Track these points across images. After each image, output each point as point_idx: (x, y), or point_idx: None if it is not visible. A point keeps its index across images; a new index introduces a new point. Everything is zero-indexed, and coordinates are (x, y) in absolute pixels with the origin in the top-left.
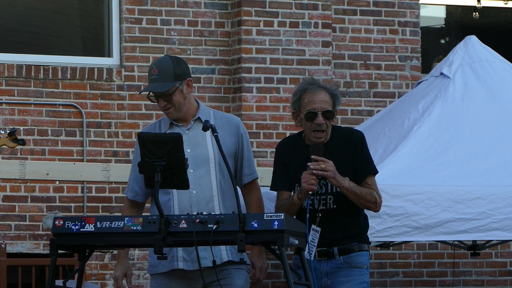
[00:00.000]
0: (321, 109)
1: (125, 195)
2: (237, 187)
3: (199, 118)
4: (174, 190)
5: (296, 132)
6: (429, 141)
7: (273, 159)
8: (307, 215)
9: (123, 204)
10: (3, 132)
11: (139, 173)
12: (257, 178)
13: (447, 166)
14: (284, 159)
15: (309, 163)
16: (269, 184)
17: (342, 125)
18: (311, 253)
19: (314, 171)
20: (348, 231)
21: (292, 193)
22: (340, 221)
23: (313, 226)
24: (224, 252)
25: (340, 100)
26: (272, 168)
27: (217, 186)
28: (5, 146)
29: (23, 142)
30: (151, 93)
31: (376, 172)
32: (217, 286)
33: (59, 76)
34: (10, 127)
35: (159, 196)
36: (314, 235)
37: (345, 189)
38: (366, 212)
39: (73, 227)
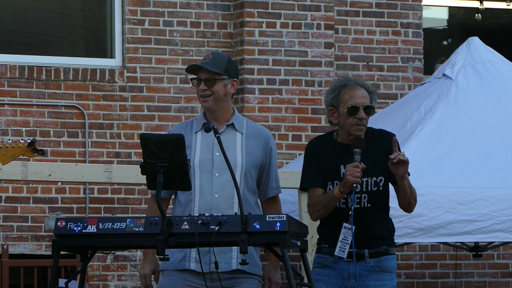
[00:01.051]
0: (363, 104)
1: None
2: (239, 191)
3: (232, 124)
4: (197, 192)
5: (298, 133)
6: (431, 144)
7: (278, 161)
8: (352, 207)
9: (124, 205)
10: (22, 141)
11: (141, 174)
12: (280, 192)
13: (449, 170)
14: (317, 157)
15: (393, 155)
16: None
17: None
18: (344, 251)
19: (401, 158)
20: (379, 232)
21: (327, 190)
22: (373, 220)
23: (344, 224)
24: (234, 260)
25: (376, 98)
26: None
27: (241, 192)
28: (24, 156)
29: (42, 152)
30: (196, 76)
31: (409, 174)
32: None
33: (61, 77)
34: (23, 138)
35: (181, 196)
36: (346, 233)
37: (407, 181)
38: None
39: (75, 228)
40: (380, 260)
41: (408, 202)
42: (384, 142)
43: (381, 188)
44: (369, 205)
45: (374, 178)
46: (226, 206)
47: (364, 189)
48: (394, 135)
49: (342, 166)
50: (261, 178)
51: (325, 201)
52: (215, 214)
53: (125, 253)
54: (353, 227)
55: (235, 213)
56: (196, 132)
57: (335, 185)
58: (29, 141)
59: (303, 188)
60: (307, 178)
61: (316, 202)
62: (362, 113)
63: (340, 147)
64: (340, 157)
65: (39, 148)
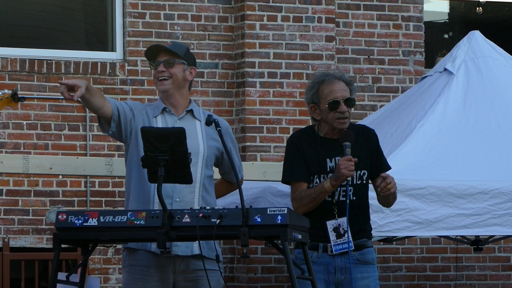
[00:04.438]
0: (343, 97)
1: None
2: (234, 180)
3: (191, 110)
4: None
5: (299, 127)
6: (431, 142)
7: (276, 154)
8: (348, 201)
9: (123, 198)
10: (7, 92)
11: (142, 167)
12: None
13: (450, 166)
14: (302, 150)
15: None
16: (273, 179)
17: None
18: (340, 245)
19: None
20: (362, 225)
21: (313, 184)
22: (357, 213)
23: (328, 222)
24: (195, 244)
25: (355, 88)
26: (274, 162)
27: (201, 180)
28: (8, 107)
29: (23, 99)
30: (156, 59)
31: (390, 168)
32: (187, 281)
33: (62, 71)
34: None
35: (140, 177)
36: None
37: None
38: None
39: (76, 221)
40: (363, 253)
41: (389, 202)
42: (366, 137)
43: (364, 181)
44: (354, 198)
45: (359, 172)
46: (187, 191)
47: (350, 182)
48: (373, 130)
49: (328, 160)
50: (224, 164)
51: (314, 195)
52: (177, 199)
53: None
54: (347, 218)
55: (236, 206)
56: (155, 117)
57: (321, 178)
58: (11, 92)
59: (286, 181)
60: (291, 171)
61: (303, 196)
62: (344, 107)
63: (324, 141)
64: (325, 150)
65: (20, 96)
